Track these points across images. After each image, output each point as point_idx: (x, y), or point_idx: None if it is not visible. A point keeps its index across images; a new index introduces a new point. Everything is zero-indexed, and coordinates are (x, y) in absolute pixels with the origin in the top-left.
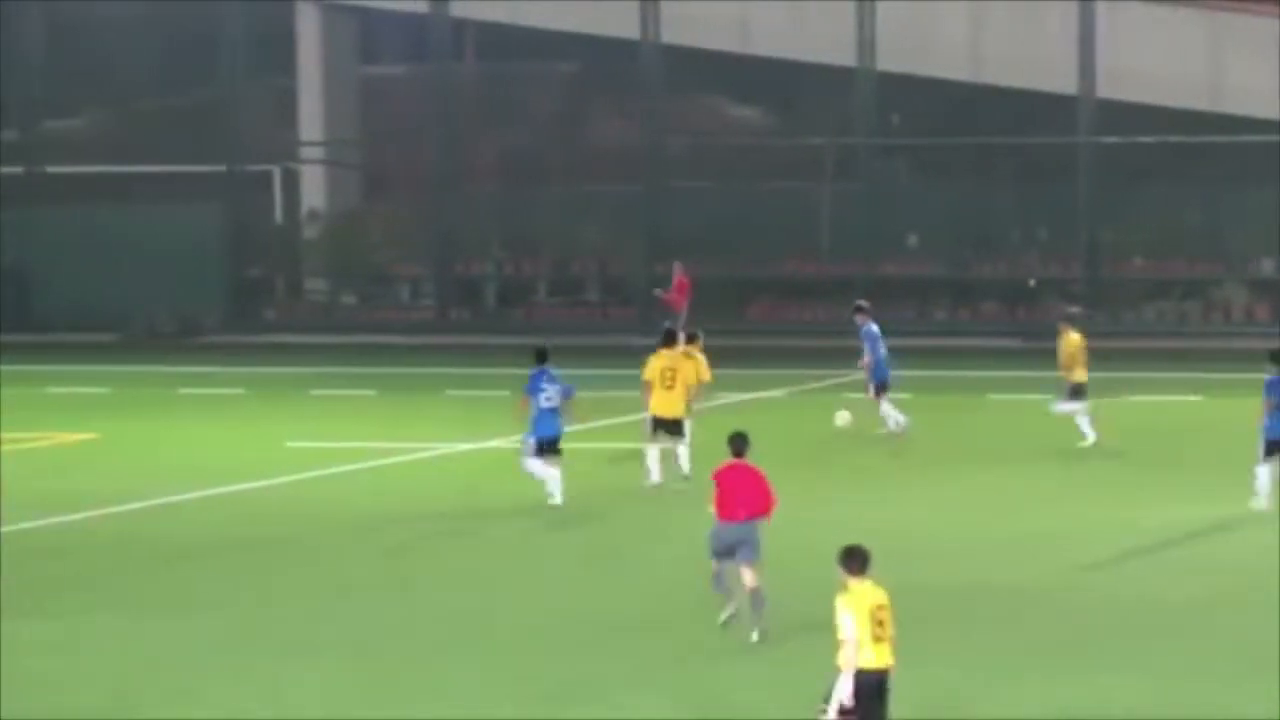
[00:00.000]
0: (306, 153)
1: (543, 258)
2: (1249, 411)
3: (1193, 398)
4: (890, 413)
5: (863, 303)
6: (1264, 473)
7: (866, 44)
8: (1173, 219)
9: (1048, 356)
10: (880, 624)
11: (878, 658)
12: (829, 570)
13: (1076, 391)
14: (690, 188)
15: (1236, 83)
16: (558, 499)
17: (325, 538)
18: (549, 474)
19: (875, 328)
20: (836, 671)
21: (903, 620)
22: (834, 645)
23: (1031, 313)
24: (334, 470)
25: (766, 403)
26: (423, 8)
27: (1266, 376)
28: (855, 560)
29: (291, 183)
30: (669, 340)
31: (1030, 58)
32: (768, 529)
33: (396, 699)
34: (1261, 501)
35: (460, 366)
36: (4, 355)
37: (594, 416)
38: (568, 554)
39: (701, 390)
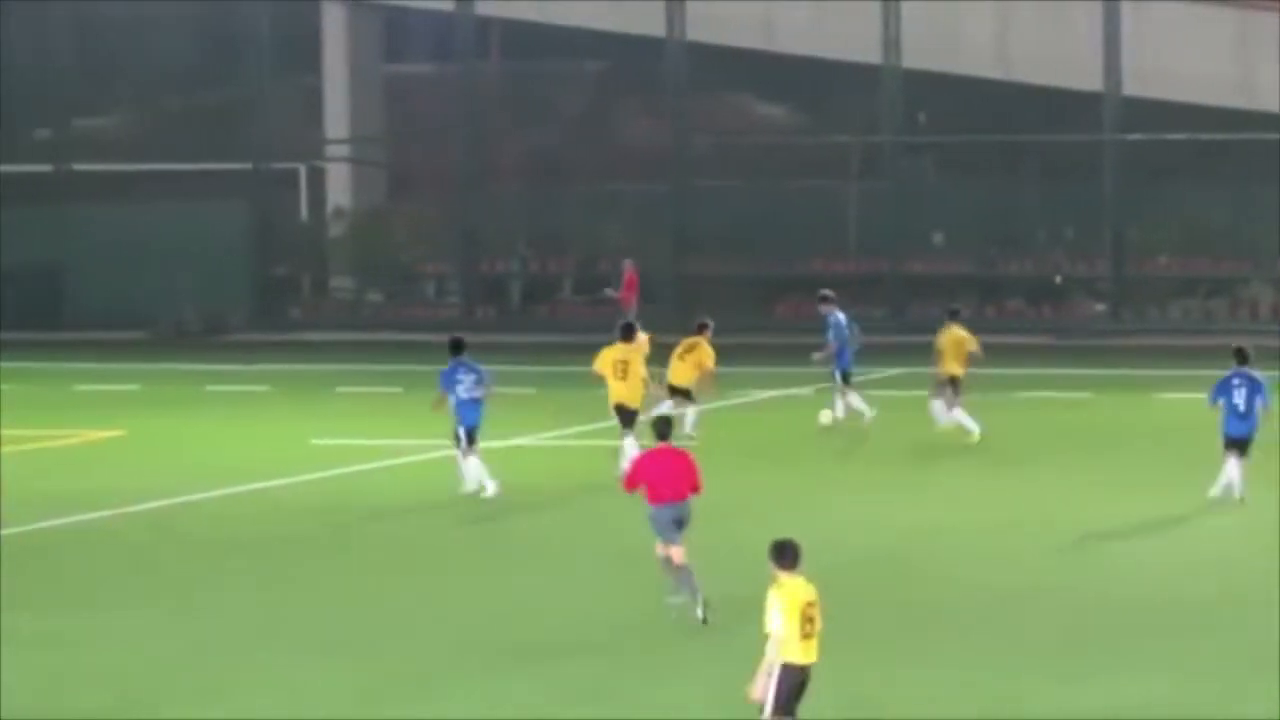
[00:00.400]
0: (332, 151)
1: (568, 256)
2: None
3: None
4: (855, 403)
5: (827, 292)
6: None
7: (892, 42)
8: (1199, 216)
9: (1075, 354)
10: (810, 620)
11: (805, 654)
12: (862, 569)
13: (952, 385)
14: (716, 186)
15: (1263, 79)
16: (491, 490)
17: (349, 535)
18: (475, 466)
19: (841, 317)
20: (766, 663)
21: (931, 618)
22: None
23: (1058, 310)
24: (359, 468)
25: (794, 400)
26: (448, 6)
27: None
28: (786, 555)
29: (317, 181)
30: (627, 334)
31: (1056, 55)
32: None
33: (417, 698)
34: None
35: (485, 364)
36: (34, 353)
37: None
38: (591, 552)
39: (708, 378)
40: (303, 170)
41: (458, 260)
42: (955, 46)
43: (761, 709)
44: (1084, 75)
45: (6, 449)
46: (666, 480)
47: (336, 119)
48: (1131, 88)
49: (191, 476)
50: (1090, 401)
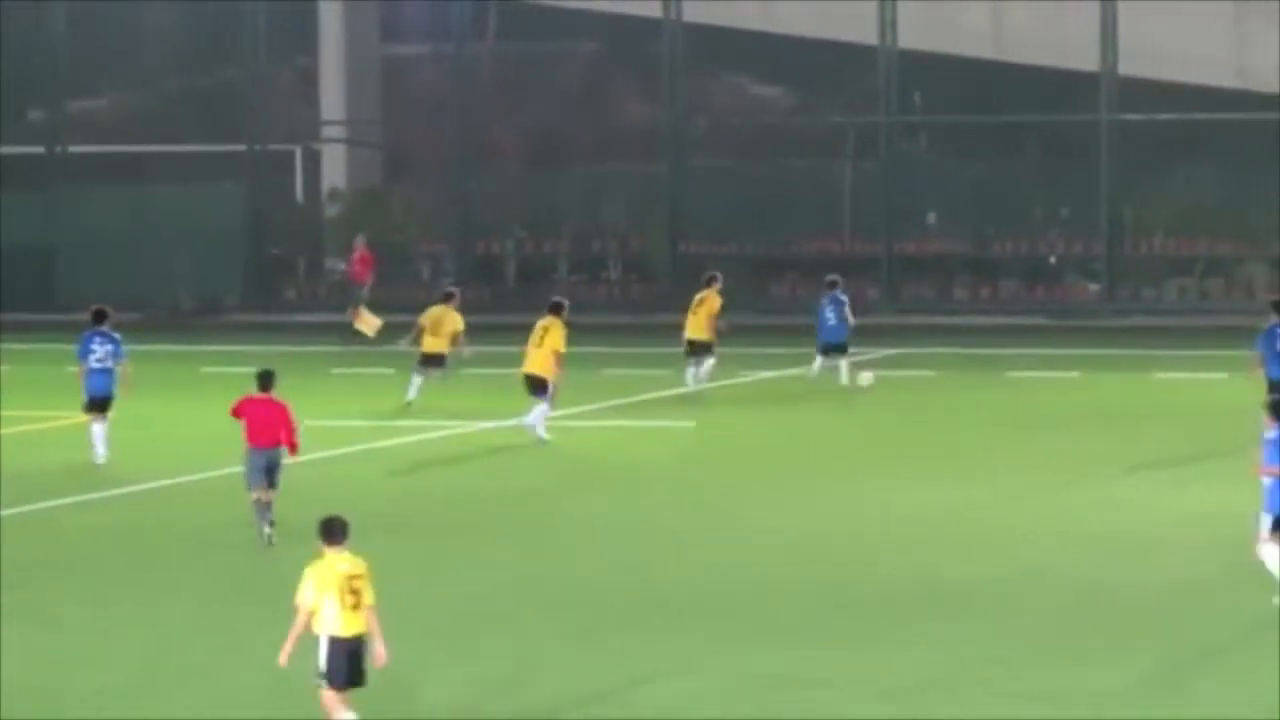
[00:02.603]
0: (328, 132)
1: (564, 236)
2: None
3: (1217, 375)
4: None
5: (834, 277)
6: None
7: (888, 22)
8: (1194, 197)
9: (1070, 334)
10: (354, 593)
11: (349, 625)
12: (866, 551)
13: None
14: (712, 166)
15: (1258, 59)
16: (102, 458)
17: (350, 516)
18: (95, 434)
19: (842, 296)
20: (316, 640)
21: (922, 600)
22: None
23: (1053, 290)
24: (354, 449)
25: (788, 380)
26: None
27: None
28: (333, 531)
29: (312, 162)
30: (556, 309)
31: (1052, 35)
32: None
33: (417, 680)
34: None
35: (480, 345)
36: (28, 334)
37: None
38: (584, 530)
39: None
40: (298, 152)
41: (453, 241)
42: (951, 27)
43: (318, 680)
44: (1080, 55)
45: (3, 430)
46: (264, 427)
47: (332, 101)
48: (1127, 68)
49: (187, 457)
50: (1085, 381)
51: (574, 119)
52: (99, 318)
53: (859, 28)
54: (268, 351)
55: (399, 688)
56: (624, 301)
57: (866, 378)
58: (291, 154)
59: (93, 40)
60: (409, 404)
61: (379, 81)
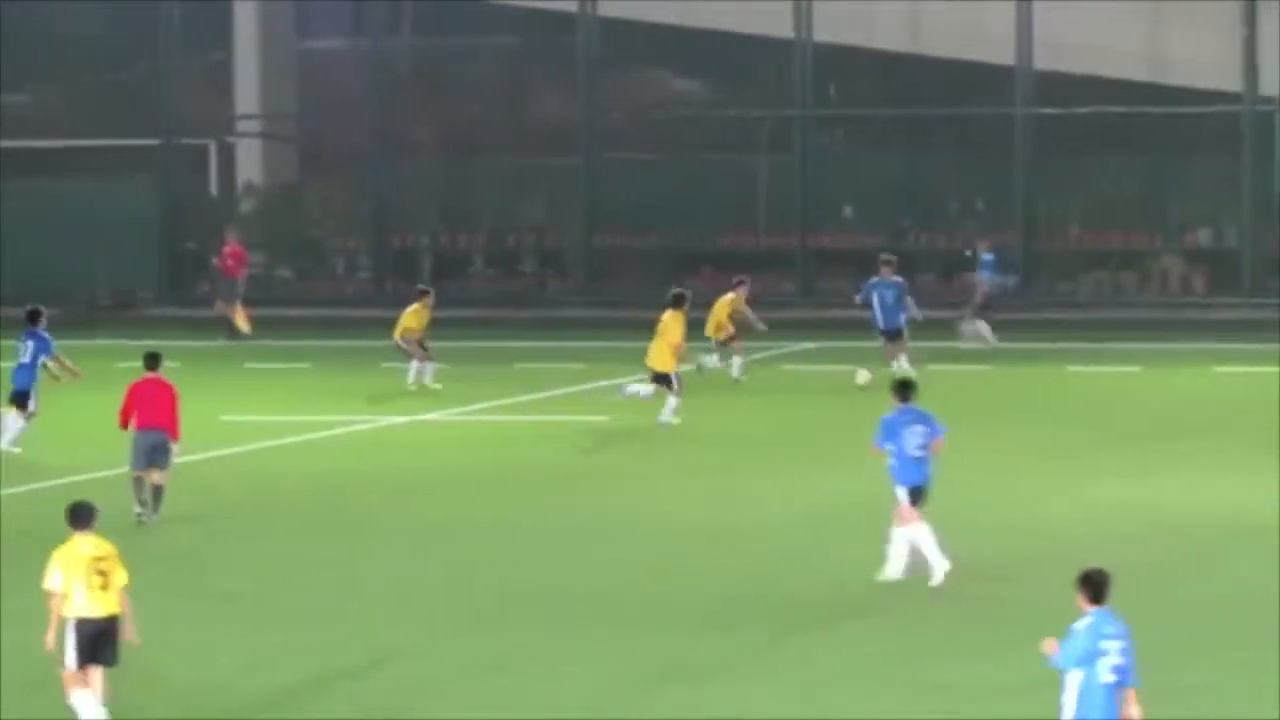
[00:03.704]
0: (243, 126)
1: (480, 230)
2: (1187, 381)
3: (1130, 369)
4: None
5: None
6: None
7: (804, 15)
8: (1110, 190)
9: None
10: (102, 574)
11: (100, 606)
12: (778, 540)
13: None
14: (628, 160)
15: (1176, 54)
16: (16, 447)
17: (261, 512)
18: (9, 424)
19: (895, 278)
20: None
21: (841, 594)
22: None
23: (968, 283)
24: (269, 444)
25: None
26: None
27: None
28: (78, 516)
29: (227, 156)
30: (676, 302)
31: (968, 28)
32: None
33: (348, 667)
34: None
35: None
36: None
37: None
38: (478, 527)
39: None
40: (213, 146)
41: (369, 235)
42: (867, 20)
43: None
44: (996, 49)
45: None
46: (151, 407)
47: (247, 95)
48: (1043, 61)
49: (103, 453)
50: (998, 374)
51: (490, 113)
52: (32, 318)
53: (775, 22)
54: (182, 346)
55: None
56: (540, 295)
57: (864, 376)
58: (206, 148)
59: (8, 35)
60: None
61: (295, 76)
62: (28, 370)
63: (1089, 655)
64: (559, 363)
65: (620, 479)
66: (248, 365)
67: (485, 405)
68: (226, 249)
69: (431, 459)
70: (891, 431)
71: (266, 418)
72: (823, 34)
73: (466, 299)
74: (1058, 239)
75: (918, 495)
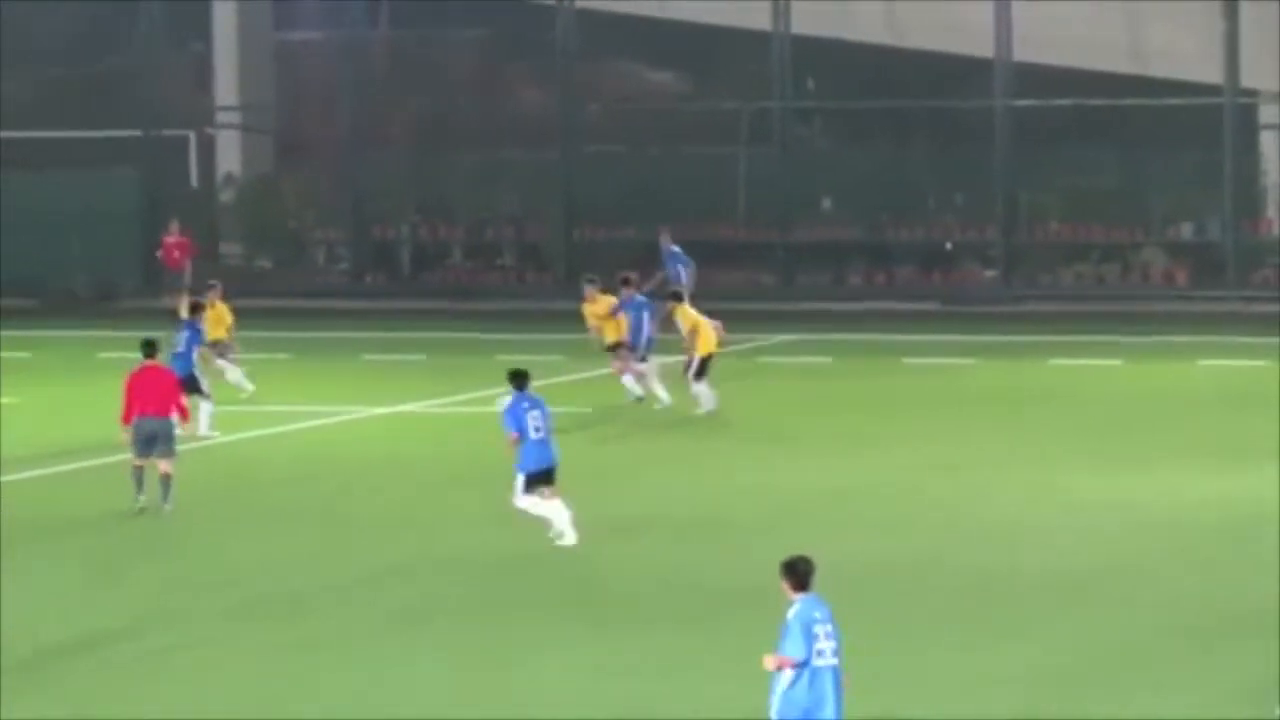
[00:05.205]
0: (222, 118)
1: (459, 222)
2: (1168, 375)
3: (1112, 361)
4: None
5: (630, 275)
6: None
7: (782, 7)
8: (1091, 183)
9: (965, 320)
10: None
11: None
12: (751, 535)
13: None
14: (606, 152)
15: (1156, 45)
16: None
17: (241, 503)
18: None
19: (640, 297)
20: None
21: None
22: None
23: (948, 277)
24: (249, 434)
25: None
26: None
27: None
28: None
29: (207, 148)
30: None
31: (947, 20)
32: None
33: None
34: None
35: (375, 330)
36: None
37: None
38: (462, 517)
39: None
40: (192, 137)
41: (347, 227)
42: (845, 12)
43: None
44: (975, 41)
45: None
46: (147, 396)
47: (226, 86)
48: (1022, 53)
49: (82, 444)
50: (980, 368)
51: (468, 105)
52: (193, 309)
53: (753, 13)
54: (163, 337)
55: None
56: (518, 287)
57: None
58: (186, 139)
59: None
60: None
61: (273, 68)
62: (185, 358)
63: (808, 640)
64: (538, 354)
65: (601, 469)
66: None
67: (466, 396)
68: (171, 239)
69: (411, 449)
70: (515, 417)
71: (247, 408)
72: (800, 26)
73: (445, 291)
74: (1038, 231)
75: (548, 476)
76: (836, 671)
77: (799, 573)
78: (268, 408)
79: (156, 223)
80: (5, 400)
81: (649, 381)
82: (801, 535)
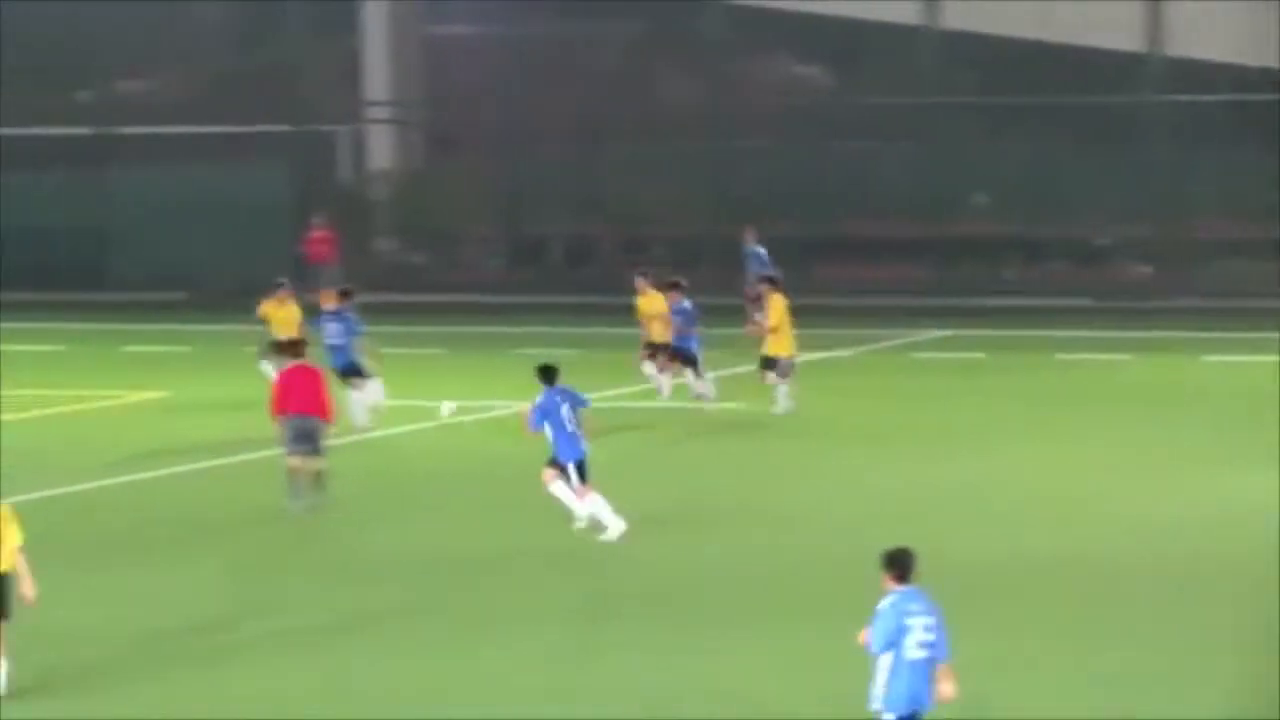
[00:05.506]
0: (373, 113)
1: (610, 217)
2: None
3: (1268, 358)
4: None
5: (679, 279)
6: None
7: (932, 1)
8: (1246, 178)
9: (1118, 316)
10: None
11: None
12: (922, 531)
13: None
14: (757, 147)
15: None
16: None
17: (394, 497)
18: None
19: (687, 304)
20: None
21: (966, 584)
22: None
23: (1101, 273)
24: (404, 429)
25: (835, 362)
26: None
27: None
28: None
29: (358, 143)
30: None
31: (1098, 14)
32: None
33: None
34: None
35: (528, 325)
36: (78, 314)
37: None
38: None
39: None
40: (344, 132)
41: (499, 222)
42: (995, 7)
43: None
44: (1127, 35)
45: (55, 409)
46: (299, 394)
47: (377, 81)
48: (1175, 48)
49: (235, 437)
50: (1134, 364)
51: (619, 100)
52: (344, 295)
53: (902, 8)
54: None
55: None
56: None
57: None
58: (337, 134)
59: (141, 21)
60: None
61: (424, 62)
62: (342, 350)
63: (897, 633)
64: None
65: (757, 464)
66: (383, 350)
67: (617, 391)
68: (313, 234)
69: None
70: (542, 413)
71: (402, 402)
72: (950, 21)
73: (597, 285)
74: (1191, 227)
75: (580, 468)
76: (931, 663)
77: (901, 564)
78: (421, 402)
79: (306, 218)
80: (159, 394)
81: (696, 386)
82: (944, 529)
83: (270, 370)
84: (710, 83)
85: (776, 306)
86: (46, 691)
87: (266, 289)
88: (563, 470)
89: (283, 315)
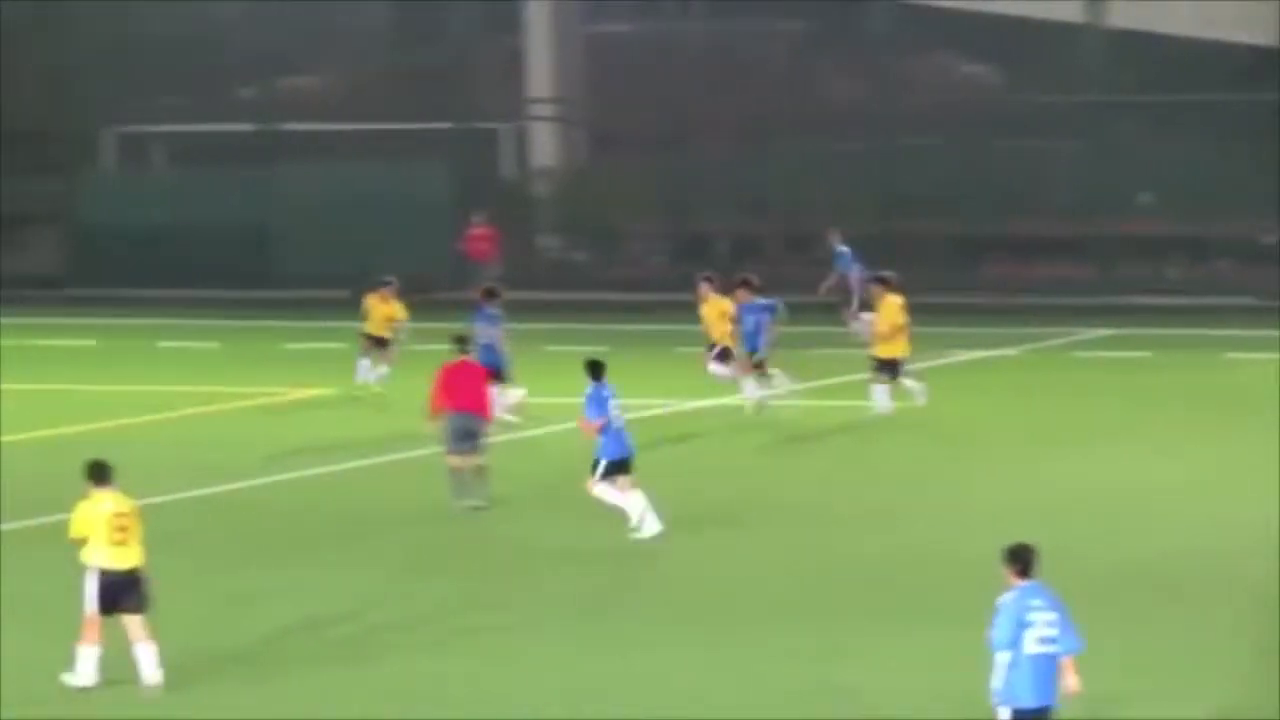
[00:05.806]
0: (535, 110)
1: (774, 215)
2: None
3: None
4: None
5: (750, 276)
6: None
7: (1098, 3)
8: None
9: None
10: (122, 530)
11: (119, 559)
12: (1079, 524)
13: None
14: (921, 145)
15: None
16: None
17: (557, 496)
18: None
19: (760, 300)
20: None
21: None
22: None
23: (1266, 271)
24: (563, 426)
25: (1000, 361)
26: None
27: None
28: (98, 473)
29: (520, 140)
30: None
31: (1261, 12)
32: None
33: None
34: None
35: (690, 323)
36: (242, 311)
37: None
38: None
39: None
40: (506, 129)
41: (662, 219)
42: (1160, 5)
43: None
44: None
45: (217, 406)
46: (461, 391)
47: (539, 78)
48: None
49: (400, 434)
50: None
51: (782, 97)
52: (489, 294)
53: (1066, 6)
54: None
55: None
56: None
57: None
58: (499, 132)
59: (303, 19)
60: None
61: (585, 60)
62: (490, 349)
63: (1017, 628)
64: (843, 348)
65: (910, 464)
66: (548, 349)
67: (798, 389)
68: (472, 230)
69: (730, 443)
70: (598, 406)
71: (563, 399)
72: (1114, 19)
73: (762, 284)
74: None
75: (626, 465)
76: (1054, 659)
77: (1022, 560)
78: (581, 400)
79: (467, 215)
80: (324, 390)
81: (747, 386)
82: (1099, 530)
83: (365, 365)
84: (874, 81)
85: (890, 307)
86: (210, 682)
87: (372, 285)
88: (609, 468)
89: (383, 311)
